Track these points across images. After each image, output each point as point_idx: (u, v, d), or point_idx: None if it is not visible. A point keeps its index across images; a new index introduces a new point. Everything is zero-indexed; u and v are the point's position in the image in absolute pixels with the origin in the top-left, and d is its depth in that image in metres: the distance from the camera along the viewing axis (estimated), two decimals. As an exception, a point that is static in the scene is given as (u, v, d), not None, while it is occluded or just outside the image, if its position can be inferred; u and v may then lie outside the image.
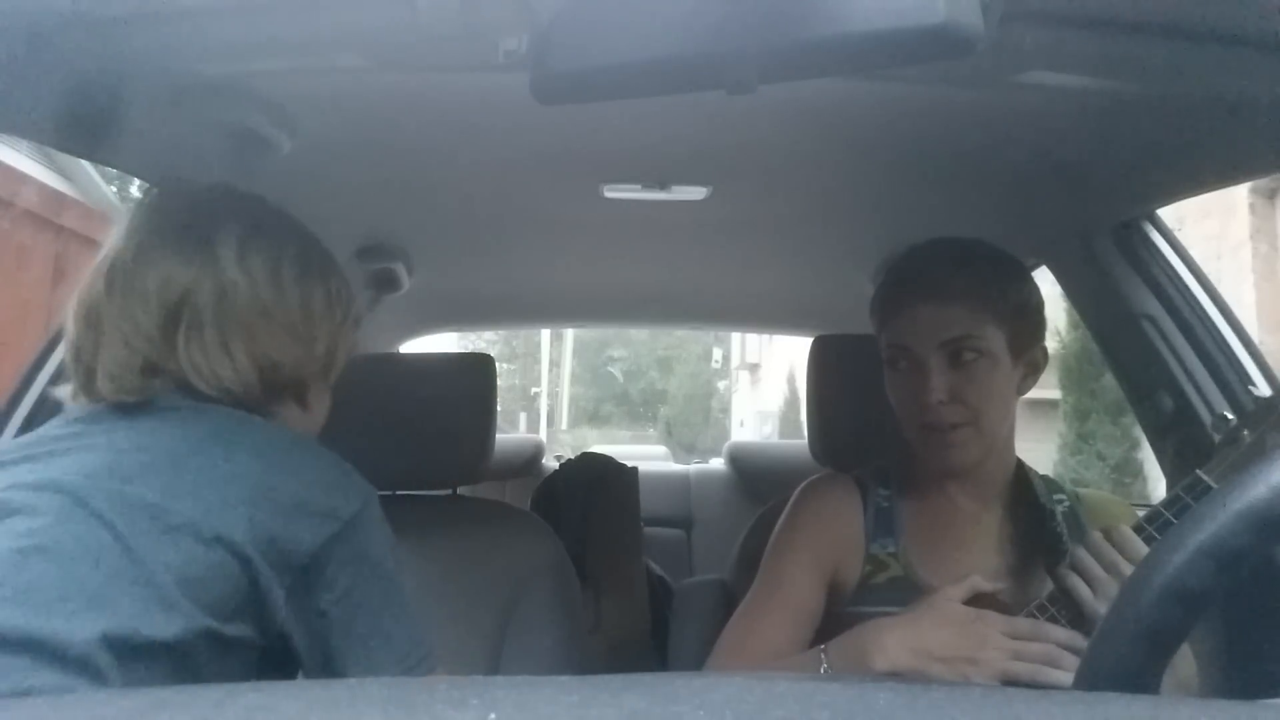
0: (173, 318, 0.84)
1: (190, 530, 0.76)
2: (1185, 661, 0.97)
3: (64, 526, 0.74)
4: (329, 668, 0.81)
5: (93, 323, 0.85)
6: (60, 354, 1.25)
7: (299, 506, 0.81)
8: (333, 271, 0.96)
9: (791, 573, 1.12)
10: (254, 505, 0.78)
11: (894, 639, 0.94)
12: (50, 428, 0.86)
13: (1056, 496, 1.13)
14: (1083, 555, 0.95)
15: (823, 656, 0.99)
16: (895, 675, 0.92)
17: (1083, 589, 0.93)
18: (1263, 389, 1.22)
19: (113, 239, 0.89)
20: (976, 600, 0.99)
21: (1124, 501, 1.24)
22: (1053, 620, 0.95)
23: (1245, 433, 0.95)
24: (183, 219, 0.89)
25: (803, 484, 1.23)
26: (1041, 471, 1.19)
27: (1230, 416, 0.99)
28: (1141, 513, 1.00)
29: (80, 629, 0.70)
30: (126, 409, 0.84)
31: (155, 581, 0.74)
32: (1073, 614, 0.94)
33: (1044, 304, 1.11)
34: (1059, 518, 1.09)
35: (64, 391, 0.89)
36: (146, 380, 0.84)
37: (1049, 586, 1.04)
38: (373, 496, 0.87)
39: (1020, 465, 1.16)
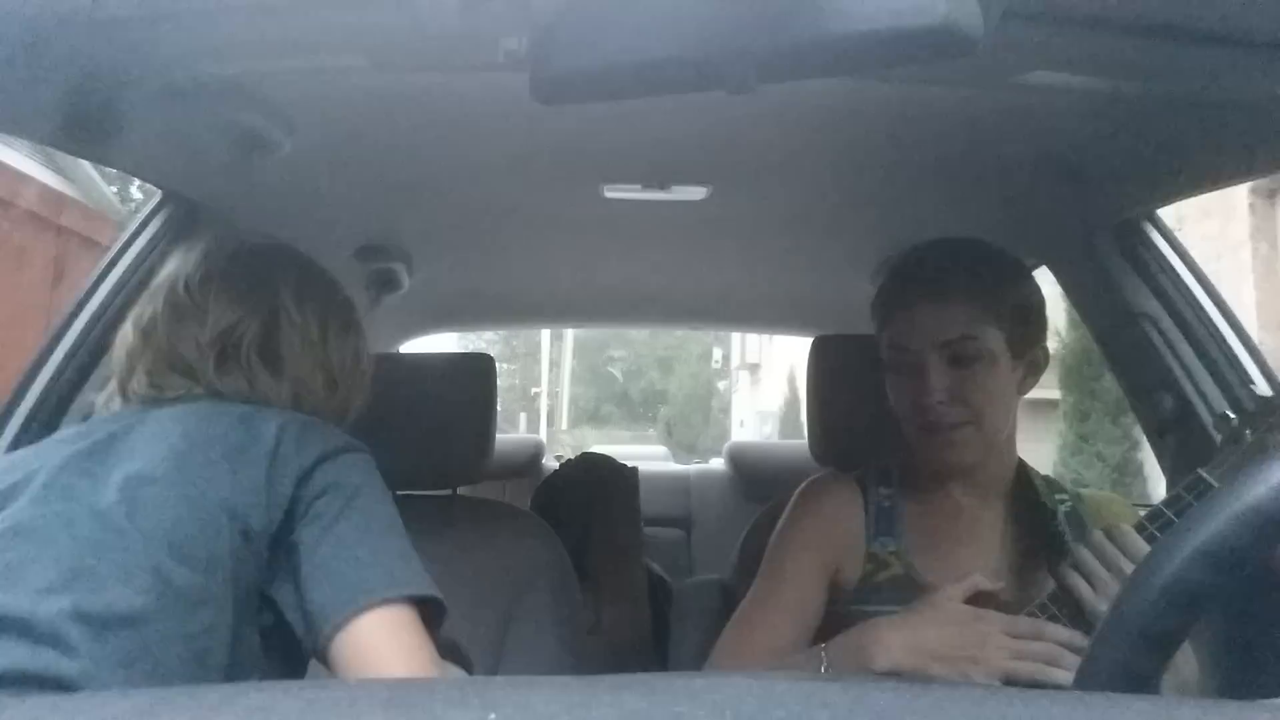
0: (222, 342, 0.93)
1: (178, 492, 0.79)
2: (1186, 661, 0.97)
3: (38, 507, 0.77)
4: (301, 603, 0.80)
5: (149, 334, 0.94)
6: (60, 354, 1.25)
7: (276, 457, 0.83)
8: (361, 332, 1.07)
9: (792, 572, 1.12)
10: (228, 461, 0.82)
11: (895, 638, 0.94)
12: (66, 430, 0.92)
13: (1058, 496, 1.13)
14: (1084, 554, 0.95)
15: (823, 655, 0.99)
16: (896, 674, 0.92)
17: (1084, 588, 0.93)
18: (1263, 388, 1.22)
19: (179, 263, 1.02)
20: (978, 599, 0.99)
21: (1125, 501, 1.24)
22: (1054, 619, 0.95)
23: (1247, 432, 0.95)
24: (248, 258, 1.02)
25: (803, 484, 1.23)
26: (1042, 472, 1.19)
27: (1232, 416, 0.99)
28: (1142, 512, 1.00)
29: (48, 603, 0.70)
30: (150, 406, 0.90)
31: (132, 549, 0.75)
32: (1074, 613, 0.94)
33: (1044, 304, 1.11)
34: (1060, 517, 1.09)
35: (100, 397, 0.97)
36: (184, 382, 0.92)
37: (1050, 585, 1.04)
38: (363, 449, 0.90)
39: (1022, 465, 1.16)
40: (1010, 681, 0.90)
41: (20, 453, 0.88)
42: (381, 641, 0.76)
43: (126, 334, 0.96)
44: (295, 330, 0.97)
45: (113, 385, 0.96)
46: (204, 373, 0.92)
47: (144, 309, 0.97)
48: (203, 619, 0.76)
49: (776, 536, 1.18)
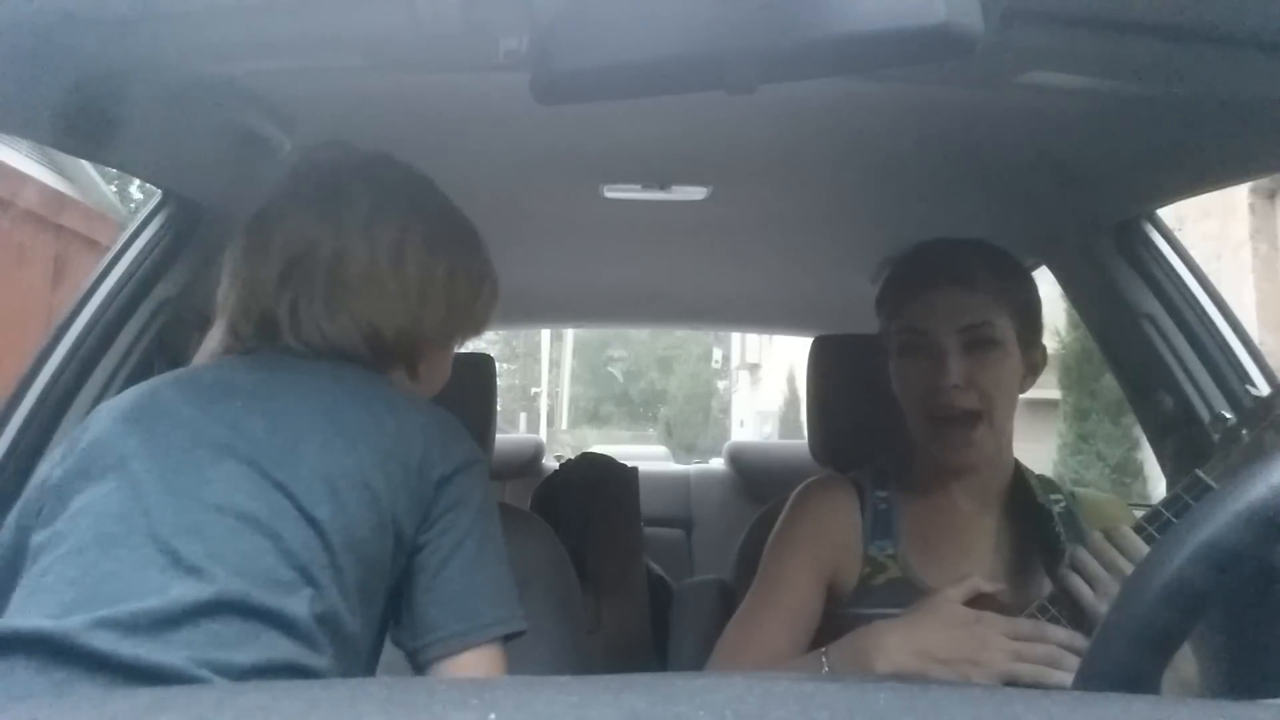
0: (288, 271, 0.87)
1: (356, 490, 0.78)
2: (1187, 662, 0.97)
3: (262, 498, 0.76)
4: (412, 610, 0.82)
5: (230, 275, 0.91)
6: (60, 354, 1.25)
7: (424, 460, 0.83)
8: (465, 249, 0.97)
9: (789, 575, 1.12)
10: (390, 459, 0.81)
11: (895, 641, 0.94)
12: (196, 379, 0.87)
13: (1053, 496, 1.13)
14: (1083, 555, 0.95)
15: (823, 660, 0.99)
16: (897, 677, 0.92)
17: (1084, 589, 0.93)
18: (1262, 388, 1.22)
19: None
20: (976, 601, 0.98)
21: (1120, 501, 1.24)
22: (1054, 621, 0.95)
23: (1244, 432, 0.95)
24: (320, 179, 0.92)
25: (799, 486, 1.22)
26: (1039, 472, 1.19)
27: (1228, 416, 0.99)
28: (1140, 512, 1.00)
29: (298, 604, 0.72)
30: (256, 367, 0.87)
31: (339, 566, 0.76)
32: (1074, 614, 0.94)
33: (1041, 307, 1.13)
34: (1056, 518, 1.09)
35: (210, 343, 0.95)
36: (262, 332, 0.88)
37: (1048, 587, 1.04)
38: (485, 460, 0.90)
39: (1017, 465, 1.16)
40: (1011, 683, 0.90)
41: (144, 397, 0.84)
42: (481, 674, 0.81)
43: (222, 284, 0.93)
44: (360, 256, 0.87)
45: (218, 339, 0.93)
46: (278, 312, 0.87)
47: (229, 250, 0.92)
48: (370, 618, 0.80)
49: (773, 540, 1.18)
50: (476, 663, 0.81)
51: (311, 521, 0.76)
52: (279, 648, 0.70)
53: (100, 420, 0.83)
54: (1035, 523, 1.09)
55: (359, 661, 0.80)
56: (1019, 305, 1.08)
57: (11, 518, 0.82)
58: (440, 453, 0.84)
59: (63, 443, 0.84)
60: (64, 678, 0.65)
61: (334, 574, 0.76)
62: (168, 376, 0.89)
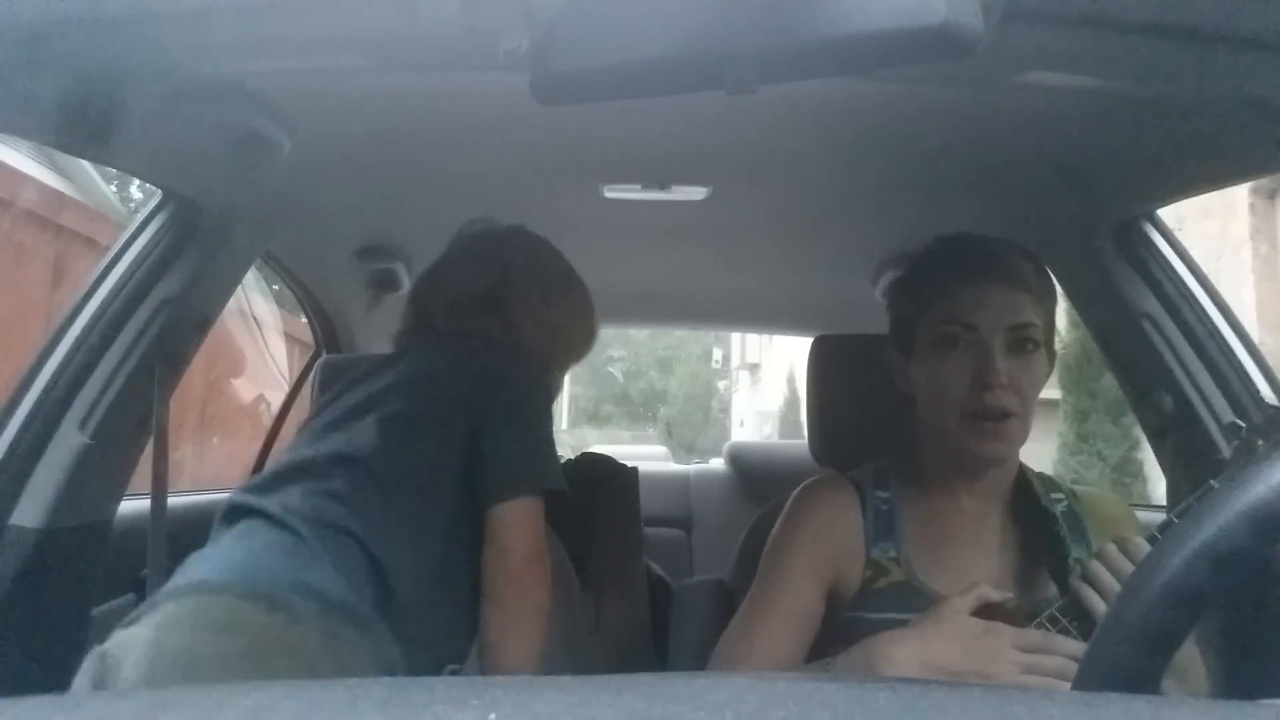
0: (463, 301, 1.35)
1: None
2: (1194, 664, 0.96)
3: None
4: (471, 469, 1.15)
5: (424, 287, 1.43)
6: (60, 354, 1.25)
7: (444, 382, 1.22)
8: (582, 299, 1.57)
9: (789, 579, 1.10)
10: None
11: (903, 653, 0.92)
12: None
13: (1055, 496, 1.12)
14: (1096, 566, 0.94)
15: (828, 671, 0.98)
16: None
17: (1096, 600, 0.92)
18: (1268, 394, 1.22)
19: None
20: (983, 608, 0.98)
21: (1121, 500, 1.23)
22: (1064, 631, 0.94)
23: (1260, 442, 0.94)
24: (486, 239, 1.43)
25: (799, 488, 1.21)
26: (1039, 471, 1.19)
27: (1241, 424, 0.98)
28: (1141, 513, 1.00)
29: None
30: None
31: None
32: (1085, 625, 0.93)
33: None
34: (1060, 520, 1.08)
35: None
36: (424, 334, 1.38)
37: (1051, 589, 1.03)
38: (507, 353, 1.27)
39: (1021, 466, 1.15)
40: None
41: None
42: (507, 524, 1.14)
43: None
44: (521, 293, 1.33)
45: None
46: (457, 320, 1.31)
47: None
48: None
49: (772, 543, 1.16)
50: (515, 512, 1.14)
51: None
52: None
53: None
54: (1039, 525, 1.08)
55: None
56: (1049, 307, 1.07)
57: None
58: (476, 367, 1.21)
59: None
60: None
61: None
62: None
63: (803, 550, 1.12)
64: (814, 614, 1.10)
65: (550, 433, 1.23)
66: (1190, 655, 0.93)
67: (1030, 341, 1.03)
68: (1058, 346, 1.13)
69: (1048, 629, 0.94)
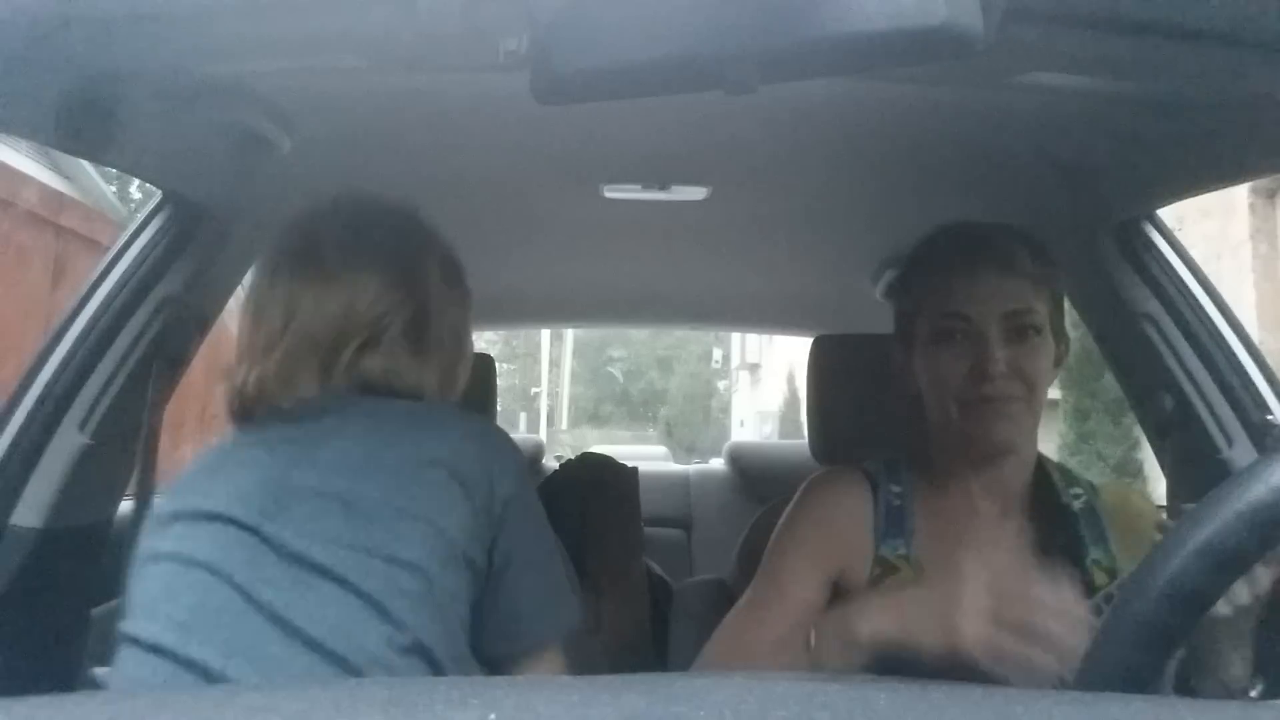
0: (372, 328, 0.92)
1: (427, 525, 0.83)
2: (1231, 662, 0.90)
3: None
4: (481, 614, 0.87)
5: (286, 316, 0.93)
6: (60, 354, 1.25)
7: (483, 479, 0.87)
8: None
9: (792, 569, 1.09)
10: (451, 488, 0.85)
11: (878, 606, 0.93)
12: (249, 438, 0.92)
13: (1073, 491, 1.09)
14: None
15: (811, 631, 0.98)
16: (881, 644, 0.89)
17: None
18: (1267, 393, 1.22)
19: (295, 226, 0.98)
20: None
21: (1141, 493, 1.23)
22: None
23: None
24: (386, 226, 0.99)
25: (810, 477, 1.18)
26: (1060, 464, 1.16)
27: (1276, 423, 0.97)
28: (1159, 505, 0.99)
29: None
30: (305, 415, 0.89)
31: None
32: None
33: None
34: (1080, 519, 1.05)
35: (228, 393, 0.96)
36: (318, 372, 0.91)
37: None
38: (524, 460, 0.96)
39: (1041, 461, 1.12)
40: (997, 654, 0.82)
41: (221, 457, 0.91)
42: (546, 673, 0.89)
43: (245, 322, 0.94)
44: (445, 317, 0.97)
45: (238, 382, 0.92)
46: (345, 360, 0.90)
47: (265, 290, 0.93)
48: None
49: (778, 532, 1.14)
50: (535, 667, 0.89)
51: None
52: None
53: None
54: (1058, 523, 1.05)
55: None
56: (1054, 292, 1.06)
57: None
58: (499, 469, 0.88)
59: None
60: None
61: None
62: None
63: (807, 540, 1.11)
64: (815, 604, 1.07)
65: None
66: (1221, 658, 0.90)
67: (1029, 328, 1.02)
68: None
69: None
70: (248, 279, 1.57)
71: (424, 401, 0.94)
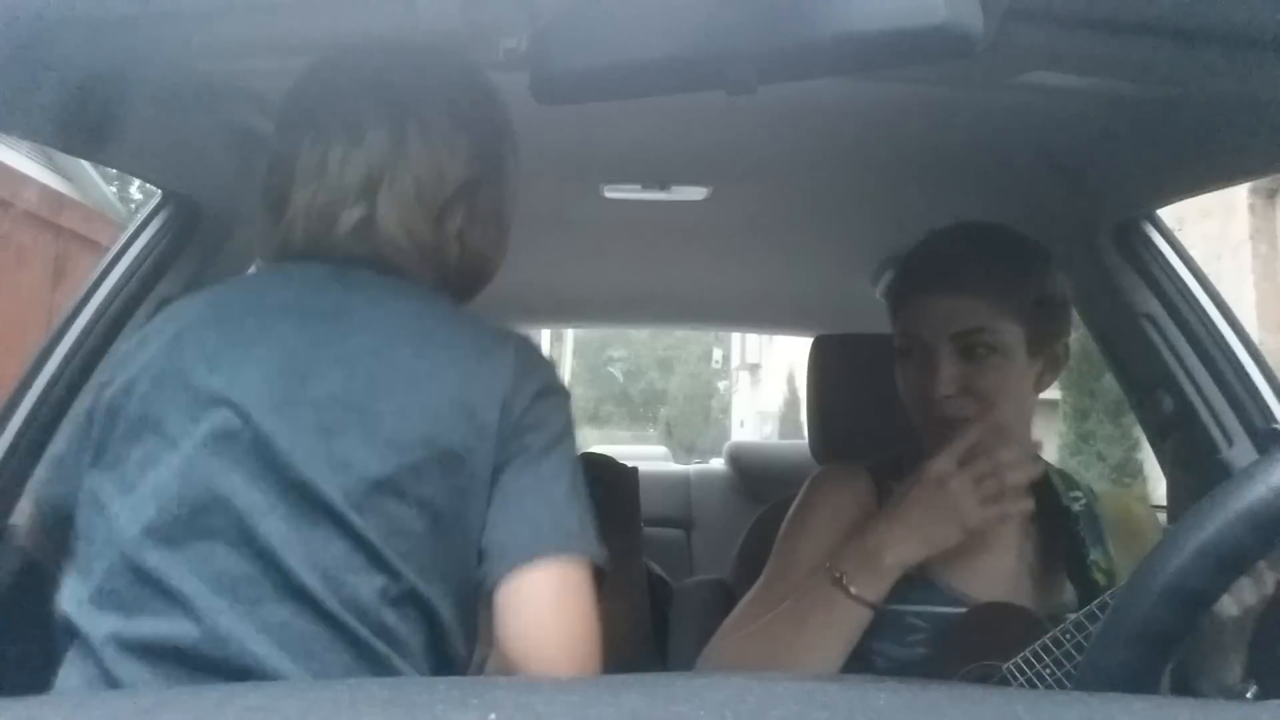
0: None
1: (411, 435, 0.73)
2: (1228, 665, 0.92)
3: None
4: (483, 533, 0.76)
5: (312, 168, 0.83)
6: (60, 354, 1.25)
7: (488, 390, 0.77)
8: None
9: (802, 559, 1.10)
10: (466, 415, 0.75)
11: (894, 533, 0.99)
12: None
13: (1073, 494, 1.10)
14: None
15: (828, 568, 1.00)
16: (905, 572, 0.98)
17: None
18: (1267, 393, 1.22)
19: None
20: (1001, 613, 0.99)
21: (1140, 497, 1.23)
22: (1089, 639, 0.91)
23: None
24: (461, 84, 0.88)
25: (815, 473, 1.20)
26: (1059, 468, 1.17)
27: None
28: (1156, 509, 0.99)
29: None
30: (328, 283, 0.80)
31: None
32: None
33: (1066, 298, 1.08)
34: (1080, 520, 1.06)
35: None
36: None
37: (1070, 591, 1.03)
38: (568, 392, 0.85)
39: (1039, 464, 1.11)
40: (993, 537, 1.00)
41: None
42: (551, 593, 0.74)
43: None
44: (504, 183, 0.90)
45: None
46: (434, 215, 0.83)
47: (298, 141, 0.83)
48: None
49: (787, 524, 1.16)
50: (545, 579, 0.73)
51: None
52: None
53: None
54: (1058, 523, 1.07)
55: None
56: (1028, 304, 1.03)
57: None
58: (526, 369, 0.79)
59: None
60: None
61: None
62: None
63: (815, 532, 1.12)
64: None
65: None
66: (1223, 660, 0.90)
67: (983, 346, 1.02)
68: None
69: (1074, 635, 0.92)
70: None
71: (442, 301, 0.85)
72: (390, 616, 0.71)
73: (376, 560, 0.70)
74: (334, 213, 0.80)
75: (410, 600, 0.72)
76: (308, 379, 0.73)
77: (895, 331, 1.10)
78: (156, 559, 0.70)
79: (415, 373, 0.75)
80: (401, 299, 0.81)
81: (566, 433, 0.82)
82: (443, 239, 0.85)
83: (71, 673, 0.69)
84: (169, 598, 0.69)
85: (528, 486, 0.76)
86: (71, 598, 0.73)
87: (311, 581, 0.68)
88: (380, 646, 0.70)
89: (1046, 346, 1.06)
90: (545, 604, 0.73)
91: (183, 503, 0.71)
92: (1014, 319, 1.03)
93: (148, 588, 0.69)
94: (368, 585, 0.70)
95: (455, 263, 0.87)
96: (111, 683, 0.66)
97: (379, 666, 0.70)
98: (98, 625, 0.69)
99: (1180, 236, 1.36)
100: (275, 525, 0.69)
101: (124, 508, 0.72)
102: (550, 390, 0.81)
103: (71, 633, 0.71)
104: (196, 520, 0.70)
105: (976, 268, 1.04)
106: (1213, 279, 1.33)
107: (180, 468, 0.72)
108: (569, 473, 0.80)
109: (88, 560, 0.73)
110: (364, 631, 0.69)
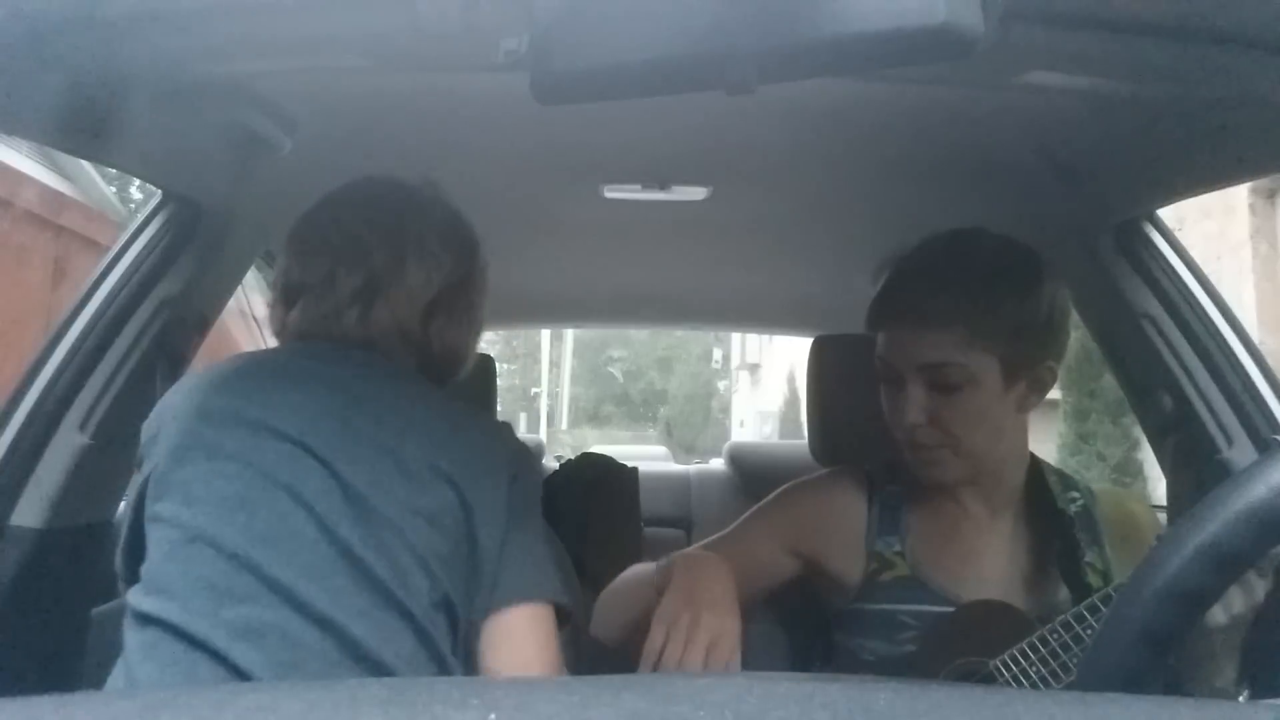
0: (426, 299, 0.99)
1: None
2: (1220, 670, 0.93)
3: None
4: (466, 589, 0.89)
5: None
6: (60, 354, 1.25)
7: (485, 457, 0.92)
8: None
9: (757, 531, 1.14)
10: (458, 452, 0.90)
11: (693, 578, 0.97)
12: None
13: (1070, 495, 1.10)
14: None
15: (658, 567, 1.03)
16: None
17: None
18: (1267, 393, 1.22)
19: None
20: (989, 611, 0.99)
21: (1138, 497, 1.24)
22: (1077, 639, 0.92)
23: None
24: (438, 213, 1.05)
25: (814, 473, 1.22)
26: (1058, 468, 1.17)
27: None
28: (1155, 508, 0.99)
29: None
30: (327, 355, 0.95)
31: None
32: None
33: (1056, 317, 1.05)
34: (1075, 522, 1.06)
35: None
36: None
37: (1063, 592, 1.03)
38: (530, 454, 1.02)
39: (1035, 466, 1.13)
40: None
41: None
42: (523, 629, 0.89)
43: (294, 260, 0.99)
44: (480, 290, 1.05)
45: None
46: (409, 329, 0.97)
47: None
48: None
49: (769, 498, 1.19)
50: (518, 619, 0.89)
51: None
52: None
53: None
54: (1053, 526, 1.07)
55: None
56: (1004, 333, 1.00)
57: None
58: (511, 457, 0.95)
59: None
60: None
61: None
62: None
63: (779, 513, 1.16)
64: (769, 572, 1.12)
65: None
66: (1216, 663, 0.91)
67: (953, 380, 1.00)
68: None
69: (1060, 635, 0.93)
70: (248, 278, 1.57)
71: (430, 384, 0.99)
72: (436, 616, 0.84)
73: (424, 565, 0.83)
74: (338, 311, 0.95)
75: (445, 606, 0.85)
76: (348, 420, 0.87)
77: (875, 354, 1.10)
78: (250, 552, 0.80)
79: (434, 431, 0.89)
80: (400, 375, 0.96)
81: (539, 499, 1.00)
82: (427, 334, 0.99)
83: (170, 665, 0.77)
84: (268, 585, 0.78)
85: (508, 555, 0.91)
86: (152, 594, 0.82)
87: (386, 575, 0.81)
88: (437, 640, 0.83)
89: (1026, 371, 1.04)
90: (519, 636, 0.89)
91: (270, 507, 0.82)
92: (986, 350, 1.00)
93: (246, 576, 0.80)
94: (421, 584, 0.83)
95: (436, 354, 1.01)
96: (230, 668, 0.75)
97: (437, 662, 0.83)
98: (199, 617, 0.78)
99: (1180, 236, 1.36)
100: (350, 528, 0.82)
101: (198, 514, 0.83)
102: (534, 469, 1.00)
103: (163, 625, 0.79)
104: (283, 523, 0.82)
105: (945, 301, 1.01)
106: (1213, 279, 1.33)
107: (253, 480, 0.84)
108: (541, 531, 0.97)
109: (165, 562, 0.83)
110: (425, 623, 0.82)
